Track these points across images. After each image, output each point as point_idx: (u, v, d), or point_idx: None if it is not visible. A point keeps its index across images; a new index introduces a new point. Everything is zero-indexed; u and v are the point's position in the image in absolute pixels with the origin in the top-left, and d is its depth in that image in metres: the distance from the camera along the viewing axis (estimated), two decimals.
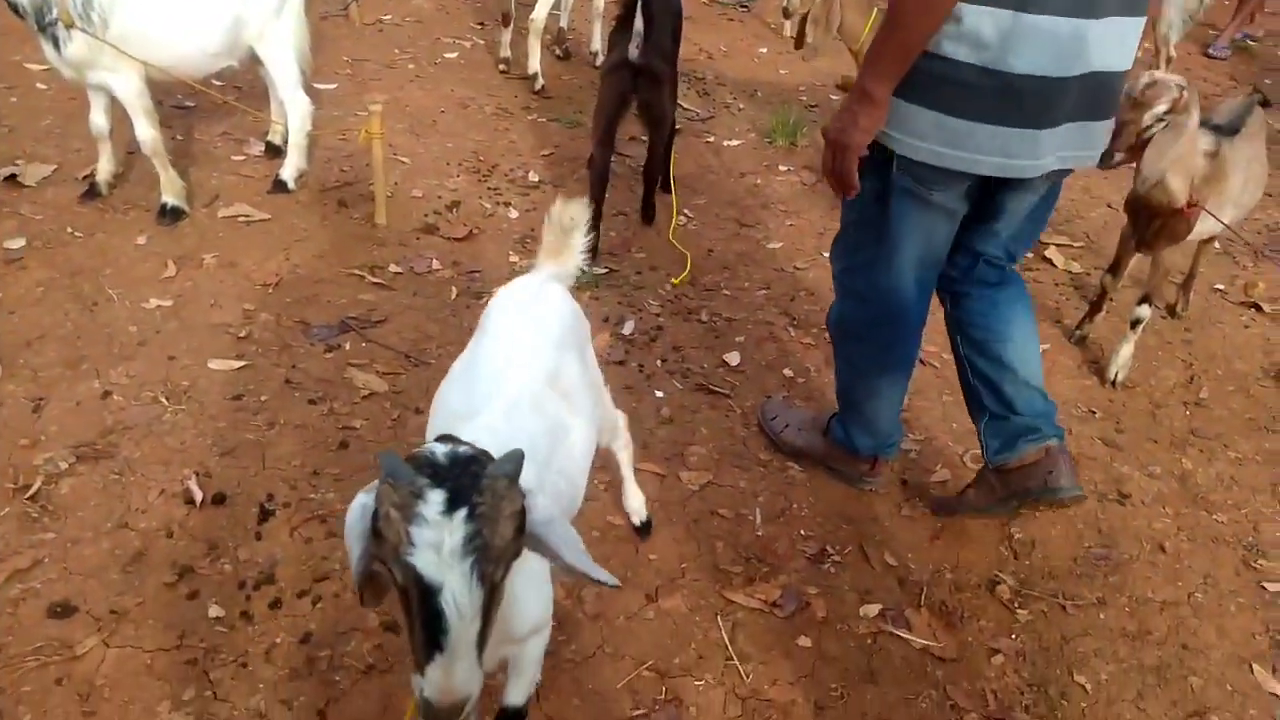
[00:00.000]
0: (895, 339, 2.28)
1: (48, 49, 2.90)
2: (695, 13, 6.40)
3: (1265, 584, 2.42)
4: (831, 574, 2.31)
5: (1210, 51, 6.89)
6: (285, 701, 1.86)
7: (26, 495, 2.22)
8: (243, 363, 2.73)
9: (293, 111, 3.56)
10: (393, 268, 3.28)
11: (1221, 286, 3.84)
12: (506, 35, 5.07)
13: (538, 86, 4.85)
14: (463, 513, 1.05)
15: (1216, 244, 3.88)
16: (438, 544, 1.04)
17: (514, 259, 3.43)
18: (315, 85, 4.36)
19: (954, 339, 2.37)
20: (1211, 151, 2.78)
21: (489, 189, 3.88)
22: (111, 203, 3.38)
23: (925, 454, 2.74)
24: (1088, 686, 2.11)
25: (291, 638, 1.98)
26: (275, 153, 3.80)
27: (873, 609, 2.23)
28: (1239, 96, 3.16)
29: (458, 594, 1.05)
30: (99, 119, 3.21)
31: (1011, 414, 2.27)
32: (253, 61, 3.46)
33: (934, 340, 3.22)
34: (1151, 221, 2.91)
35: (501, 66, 5.06)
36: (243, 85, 4.22)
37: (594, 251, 3.45)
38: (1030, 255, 3.90)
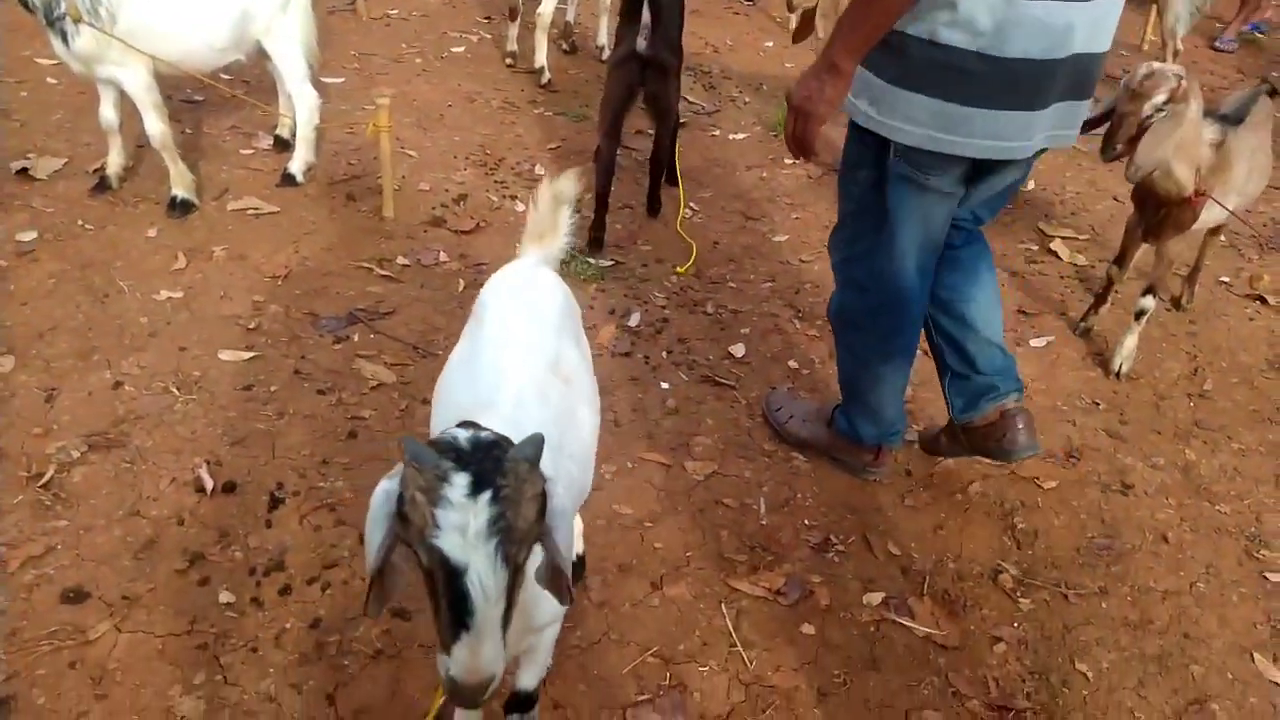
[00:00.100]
0: (897, 327, 2.30)
1: (56, 43, 2.93)
2: (701, 7, 6.40)
3: (1267, 574, 2.43)
4: (835, 563, 2.33)
5: (1217, 44, 6.87)
6: (295, 686, 1.89)
7: (40, 483, 2.25)
8: (252, 353, 2.76)
9: (300, 105, 3.59)
10: (400, 260, 3.30)
11: (1227, 279, 3.84)
12: (514, 29, 5.08)
13: (544, 80, 4.86)
14: (487, 495, 1.06)
15: (1222, 237, 3.88)
16: (463, 526, 1.05)
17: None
18: (322, 79, 4.38)
19: None
20: (1217, 141, 2.79)
21: (495, 182, 3.91)
22: (122, 196, 3.41)
23: None
24: (1089, 674, 2.12)
25: (301, 623, 2.01)
26: (284, 146, 3.83)
27: (876, 597, 2.25)
28: (1249, 88, 3.17)
29: (483, 575, 1.06)
30: (108, 113, 3.24)
31: (973, 373, 2.35)
32: (260, 56, 3.49)
33: None
34: (1158, 211, 2.92)
35: (508, 60, 5.08)
36: (251, 79, 4.25)
37: (600, 243, 3.48)
38: (1035, 248, 3.91)
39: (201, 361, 2.71)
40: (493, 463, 1.10)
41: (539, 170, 4.03)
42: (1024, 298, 3.54)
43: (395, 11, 5.58)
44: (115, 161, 3.39)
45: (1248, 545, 2.52)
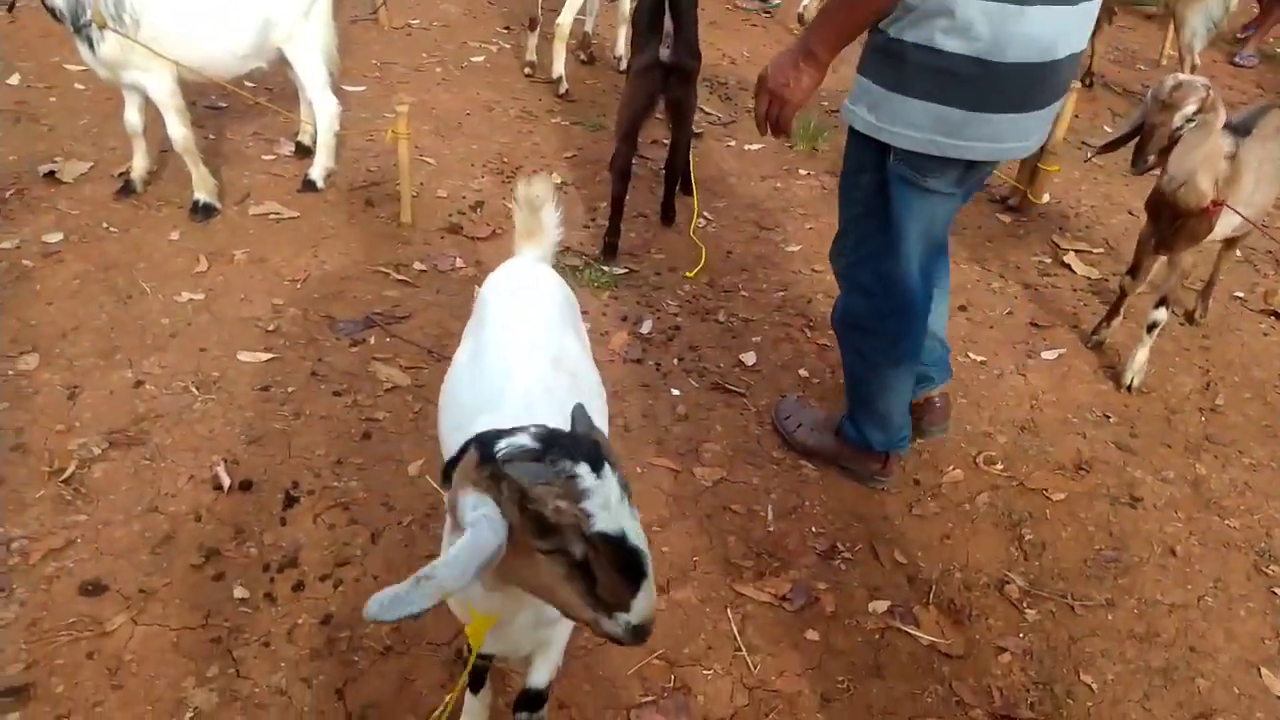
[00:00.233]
0: (904, 329, 2.33)
1: (83, 50, 3.00)
2: (719, 18, 6.45)
3: (1276, 589, 2.43)
4: (841, 570, 2.35)
5: (1237, 60, 6.85)
6: (305, 680, 1.92)
7: (61, 479, 2.30)
8: (271, 355, 2.80)
9: (321, 112, 3.64)
10: (417, 265, 3.35)
11: (1241, 294, 3.83)
12: (533, 40, 5.13)
13: (562, 90, 4.91)
14: (605, 467, 1.15)
15: (1238, 251, 3.88)
16: (606, 502, 1.13)
17: None
18: (344, 87, 4.45)
19: None
20: (1231, 153, 2.81)
21: (512, 190, 3.94)
22: (146, 199, 3.47)
23: (938, 454, 2.76)
24: (1094, 686, 2.13)
25: (313, 619, 2.05)
26: (305, 153, 3.89)
27: (881, 605, 2.26)
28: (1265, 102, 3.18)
29: (635, 529, 1.15)
30: (133, 117, 3.30)
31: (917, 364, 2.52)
32: (282, 63, 3.54)
33: (949, 342, 3.25)
34: (1173, 222, 2.94)
35: (527, 70, 5.13)
36: (274, 87, 4.32)
37: (614, 250, 3.51)
38: (1049, 261, 3.92)
39: (221, 362, 2.76)
40: (579, 441, 1.17)
41: (555, 178, 4.07)
42: (1036, 310, 3.54)
43: (416, 21, 5.65)
44: (140, 165, 3.46)
45: (1257, 560, 2.52)
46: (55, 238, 3.17)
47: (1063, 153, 4.19)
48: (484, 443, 1.20)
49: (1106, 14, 5.81)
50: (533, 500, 1.13)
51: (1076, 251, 3.99)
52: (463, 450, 1.25)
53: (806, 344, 3.20)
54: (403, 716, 1.89)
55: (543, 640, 1.62)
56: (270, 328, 2.92)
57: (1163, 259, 3.14)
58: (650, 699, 1.97)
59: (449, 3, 6.01)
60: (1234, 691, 2.15)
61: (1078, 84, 3.98)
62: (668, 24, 3.25)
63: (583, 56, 5.48)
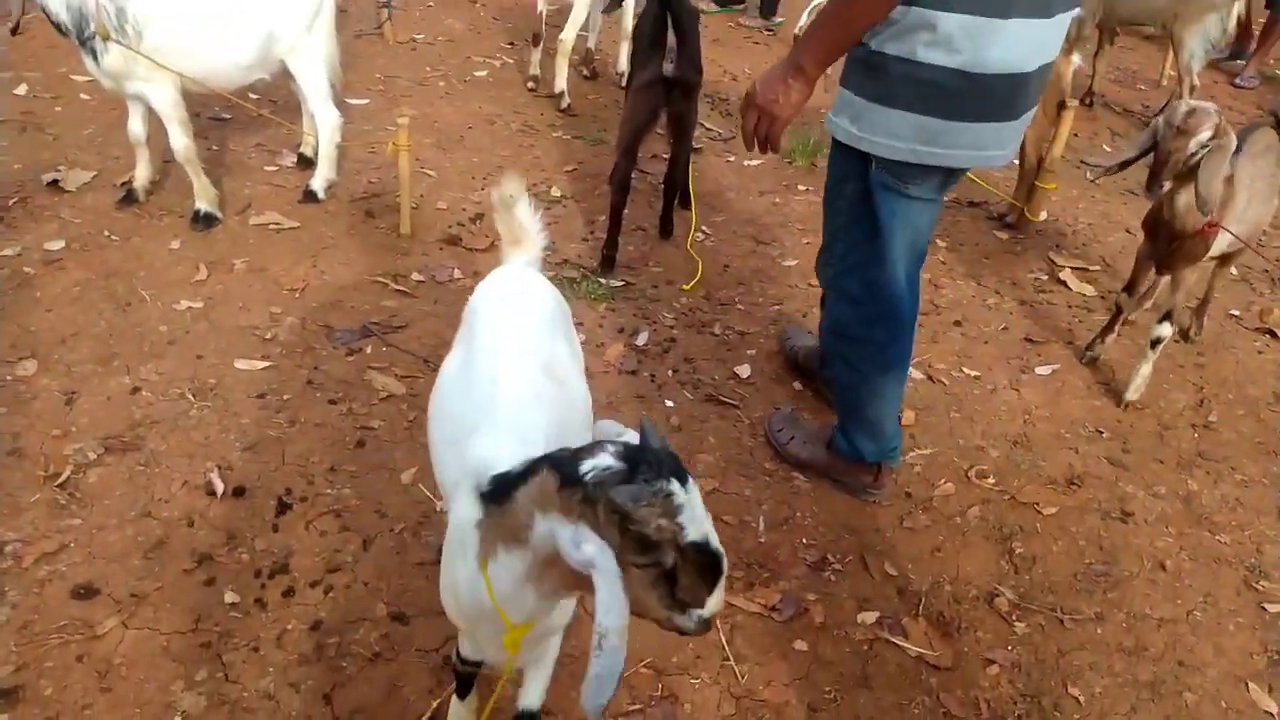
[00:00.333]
0: (892, 336, 2.35)
1: (88, 61, 3.03)
2: (721, 35, 6.51)
3: (1266, 605, 2.43)
4: (831, 581, 2.36)
5: (1237, 81, 6.88)
6: (294, 685, 1.93)
7: (56, 483, 2.32)
8: (267, 363, 2.83)
9: (322, 124, 3.68)
10: (415, 276, 3.37)
11: (1237, 312, 3.84)
12: (536, 55, 5.18)
13: (564, 105, 4.95)
14: (689, 480, 1.18)
15: (1234, 269, 3.90)
16: (694, 513, 1.16)
17: None
18: (348, 100, 4.49)
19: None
20: (1228, 174, 2.83)
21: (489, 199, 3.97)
22: (148, 209, 3.51)
23: (930, 468, 2.77)
24: (1081, 699, 2.13)
25: (302, 625, 2.06)
26: (307, 164, 3.92)
27: (870, 616, 2.27)
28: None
29: (715, 532, 1.19)
30: (136, 127, 3.34)
31: None
32: (285, 75, 3.58)
33: (943, 358, 3.28)
34: (1171, 242, 2.96)
35: (531, 85, 5.17)
36: (279, 99, 4.36)
37: (612, 263, 3.54)
38: (1045, 278, 3.93)
39: (218, 370, 2.78)
40: (661, 457, 1.18)
41: (555, 192, 4.10)
42: (1032, 326, 3.56)
43: (421, 36, 5.71)
44: (142, 175, 3.49)
45: (1247, 575, 2.52)
46: (57, 245, 3.20)
47: (1060, 171, 4.21)
48: (560, 465, 1.21)
49: (1109, 35, 5.86)
50: (636, 522, 1.14)
51: (1073, 268, 4.01)
52: (530, 470, 1.25)
53: None
54: None
55: (539, 652, 1.63)
56: (268, 336, 2.94)
57: (1164, 276, 3.16)
58: (637, 707, 1.97)
59: (453, 18, 6.07)
60: (1221, 706, 2.15)
61: (1074, 102, 4.00)
62: (670, 39, 3.29)
63: (585, 72, 5.53)
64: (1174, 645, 2.29)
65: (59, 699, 1.85)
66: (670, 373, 3.05)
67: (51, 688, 1.87)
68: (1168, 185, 2.78)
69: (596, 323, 3.24)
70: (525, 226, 2.00)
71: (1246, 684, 2.20)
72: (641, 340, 3.18)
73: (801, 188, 4.46)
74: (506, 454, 1.33)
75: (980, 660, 2.20)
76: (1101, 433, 3.01)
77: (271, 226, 3.53)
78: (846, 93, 2.05)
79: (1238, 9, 5.14)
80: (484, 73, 5.33)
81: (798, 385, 3.08)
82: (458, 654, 1.71)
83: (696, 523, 1.16)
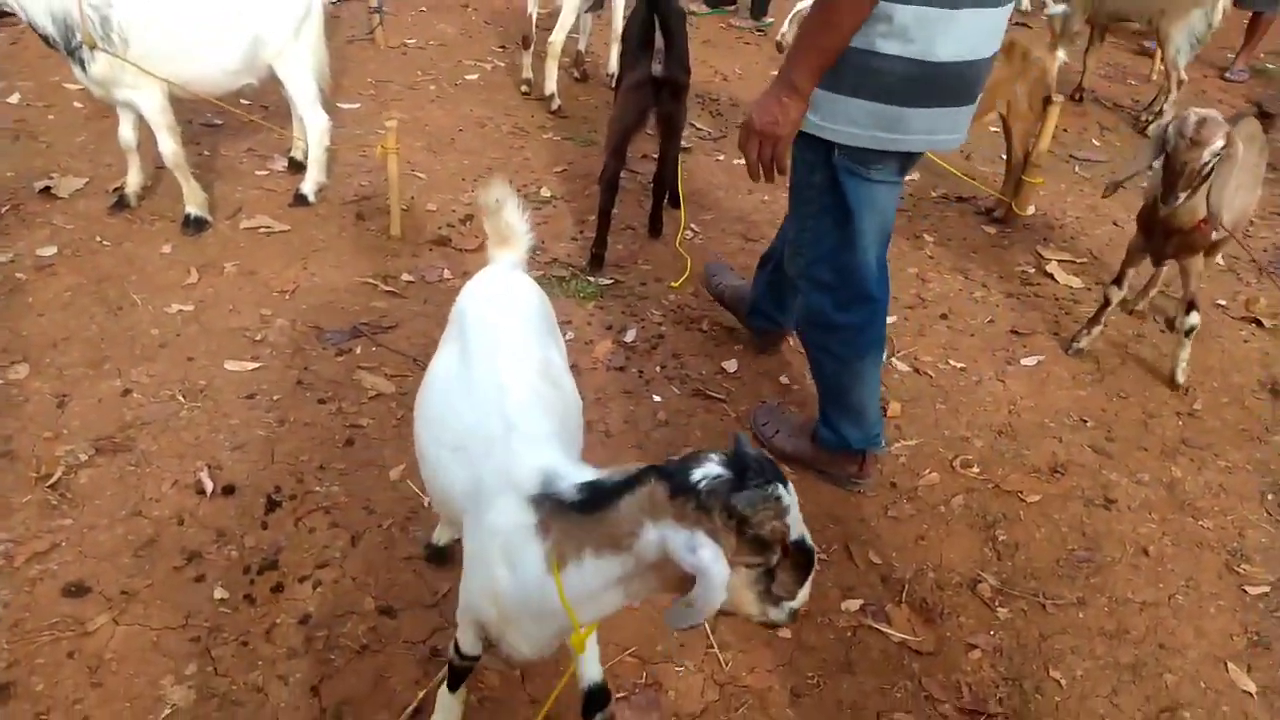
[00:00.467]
0: (868, 318, 2.40)
1: (76, 70, 3.07)
2: (712, 36, 6.54)
3: (1247, 587, 2.45)
4: (816, 570, 2.37)
5: (1228, 75, 6.91)
6: (282, 678, 1.96)
7: (48, 484, 2.35)
8: (257, 364, 2.85)
9: (311, 128, 3.71)
10: (405, 277, 3.40)
11: (1223, 302, 3.86)
12: (527, 57, 5.21)
13: (554, 107, 4.98)
14: (789, 484, 1.27)
15: (1220, 259, 3.92)
16: (796, 513, 1.27)
17: None
18: (339, 104, 4.53)
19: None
20: None
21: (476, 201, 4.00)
22: (139, 214, 3.54)
23: (916, 458, 2.80)
24: (1062, 682, 2.15)
25: (291, 619, 2.08)
26: (297, 168, 3.95)
27: (854, 604, 2.29)
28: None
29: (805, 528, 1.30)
30: (127, 133, 3.37)
31: (779, 313, 3.00)
32: (274, 80, 3.61)
33: (929, 350, 3.30)
34: (1167, 238, 3.01)
35: (524, 88, 5.20)
36: (270, 105, 4.39)
37: (600, 261, 3.56)
38: (1032, 270, 3.96)
39: (208, 371, 2.81)
40: (762, 463, 1.26)
41: (544, 192, 4.13)
42: (1018, 318, 3.58)
43: (413, 41, 5.74)
44: (134, 181, 3.53)
45: (1229, 559, 2.54)
46: (49, 251, 3.24)
47: (1047, 165, 4.24)
48: (669, 475, 1.26)
49: (1098, 32, 5.89)
50: (753, 525, 1.22)
51: (1060, 261, 4.03)
52: (634, 480, 1.30)
53: (788, 351, 3.24)
54: (377, 713, 1.92)
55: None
56: (258, 338, 2.97)
57: (1161, 269, 3.20)
58: (622, 695, 2.00)
59: (445, 23, 6.11)
60: (1201, 686, 2.17)
61: (1060, 98, 4.02)
62: (659, 40, 3.32)
63: (576, 74, 5.56)
64: (1155, 628, 2.31)
65: (50, 694, 1.88)
66: (658, 368, 3.07)
67: (43, 684, 1.89)
68: (1183, 196, 2.80)
69: (585, 320, 3.27)
70: (513, 227, 2.02)
71: (1226, 664, 2.22)
72: (630, 337, 3.21)
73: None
74: (563, 463, 1.42)
75: (962, 645, 2.22)
76: (1086, 422, 3.04)
77: (262, 230, 3.56)
78: None
79: (1223, 4, 5.15)
80: (475, 76, 5.36)
81: (784, 379, 3.11)
82: (456, 649, 1.73)
83: (797, 522, 1.26)
